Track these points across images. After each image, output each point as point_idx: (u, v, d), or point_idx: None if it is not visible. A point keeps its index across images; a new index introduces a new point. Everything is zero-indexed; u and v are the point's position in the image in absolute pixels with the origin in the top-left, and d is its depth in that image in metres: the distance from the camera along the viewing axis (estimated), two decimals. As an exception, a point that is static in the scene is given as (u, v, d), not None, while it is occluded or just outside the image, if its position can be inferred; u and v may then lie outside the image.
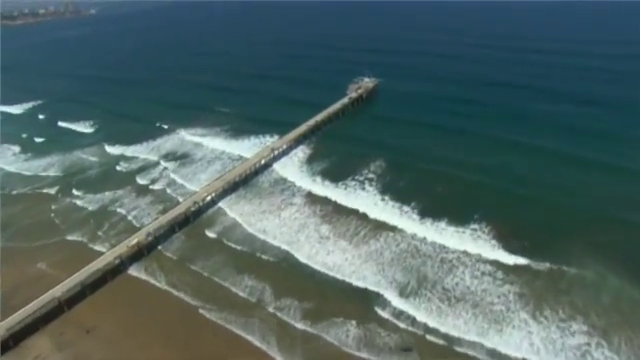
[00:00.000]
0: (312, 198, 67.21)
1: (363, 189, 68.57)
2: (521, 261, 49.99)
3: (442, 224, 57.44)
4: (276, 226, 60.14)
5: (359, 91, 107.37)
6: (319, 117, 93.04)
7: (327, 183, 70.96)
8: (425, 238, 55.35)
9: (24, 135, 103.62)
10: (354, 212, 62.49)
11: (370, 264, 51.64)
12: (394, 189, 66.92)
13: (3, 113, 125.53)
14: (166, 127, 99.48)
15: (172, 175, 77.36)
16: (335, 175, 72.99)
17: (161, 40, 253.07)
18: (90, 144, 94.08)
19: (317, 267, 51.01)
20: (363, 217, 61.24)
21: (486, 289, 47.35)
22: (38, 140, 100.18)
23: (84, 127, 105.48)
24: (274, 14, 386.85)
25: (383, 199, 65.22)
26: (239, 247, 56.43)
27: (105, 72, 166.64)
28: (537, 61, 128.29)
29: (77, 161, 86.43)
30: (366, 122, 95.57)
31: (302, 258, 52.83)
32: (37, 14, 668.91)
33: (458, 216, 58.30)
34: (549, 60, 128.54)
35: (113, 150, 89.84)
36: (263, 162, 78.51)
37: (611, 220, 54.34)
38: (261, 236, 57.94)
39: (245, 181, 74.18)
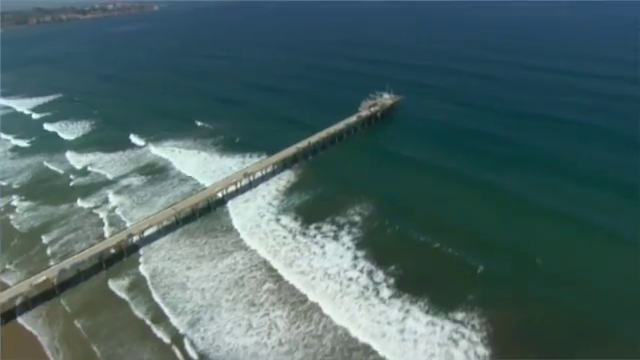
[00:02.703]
0: (270, 243, 56.35)
1: (336, 239, 56.34)
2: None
3: (416, 308, 43.65)
4: (203, 279, 49.82)
5: (373, 109, 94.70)
6: (313, 138, 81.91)
7: (295, 226, 59.55)
8: (387, 325, 42.07)
9: (8, 137, 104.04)
10: (312, 271, 50.69)
11: (297, 356, 39.61)
12: (373, 246, 53.75)
13: (7, 108, 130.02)
14: (150, 138, 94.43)
15: (126, 198, 70.19)
16: (310, 215, 61.61)
17: (197, 40, 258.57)
18: (65, 151, 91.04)
19: (220, 353, 39.90)
20: (322, 279, 49.21)
21: None
22: (18, 143, 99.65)
23: (70, 132, 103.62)
24: (325, 15, 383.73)
25: (355, 257, 52.51)
26: (150, 304, 46.78)
27: (127, 72, 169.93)
28: (599, 90, 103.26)
29: (41, 172, 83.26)
30: (369, 151, 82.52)
31: (206, 337, 41.85)
32: (106, 9, 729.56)
33: (442, 298, 44.28)
34: (614, 89, 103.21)
35: (82, 162, 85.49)
36: (229, 190, 69.18)
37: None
38: (176, 294, 47.95)
39: (203, 212, 65.13)
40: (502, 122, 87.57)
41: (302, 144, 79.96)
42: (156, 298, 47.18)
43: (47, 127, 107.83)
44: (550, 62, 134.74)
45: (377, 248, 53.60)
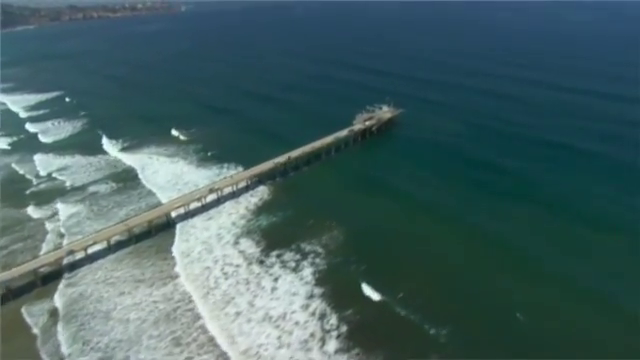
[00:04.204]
0: (214, 273, 50.88)
1: (295, 270, 50.96)
2: None
3: (362, 368, 37.73)
4: (132, 308, 45.34)
5: (368, 123, 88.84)
6: (295, 153, 76.82)
7: (254, 252, 54.56)
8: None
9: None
10: (251, 312, 44.75)
11: (209, 419, 34.35)
12: (333, 284, 48.08)
13: (2, 104, 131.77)
14: (132, 144, 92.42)
15: (86, 207, 67.06)
16: (274, 240, 56.74)
17: (212, 43, 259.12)
18: (39, 154, 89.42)
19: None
20: (259, 322, 43.40)
21: None
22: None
23: (52, 134, 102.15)
24: (352, 18, 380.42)
25: (311, 295, 46.95)
26: (62, 336, 42.50)
27: (132, 73, 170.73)
28: (624, 115, 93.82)
29: (9, 175, 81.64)
30: (354, 172, 75.88)
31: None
32: (135, 8, 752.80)
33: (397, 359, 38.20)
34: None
35: (55, 165, 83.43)
36: (192, 207, 64.92)
37: None
38: (96, 324, 43.51)
39: (160, 229, 60.94)
40: (508, 149, 79.27)
41: (281, 159, 75.02)
42: (71, 329, 42.91)
43: (30, 127, 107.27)
44: (571, 80, 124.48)
45: (337, 287, 47.93)
